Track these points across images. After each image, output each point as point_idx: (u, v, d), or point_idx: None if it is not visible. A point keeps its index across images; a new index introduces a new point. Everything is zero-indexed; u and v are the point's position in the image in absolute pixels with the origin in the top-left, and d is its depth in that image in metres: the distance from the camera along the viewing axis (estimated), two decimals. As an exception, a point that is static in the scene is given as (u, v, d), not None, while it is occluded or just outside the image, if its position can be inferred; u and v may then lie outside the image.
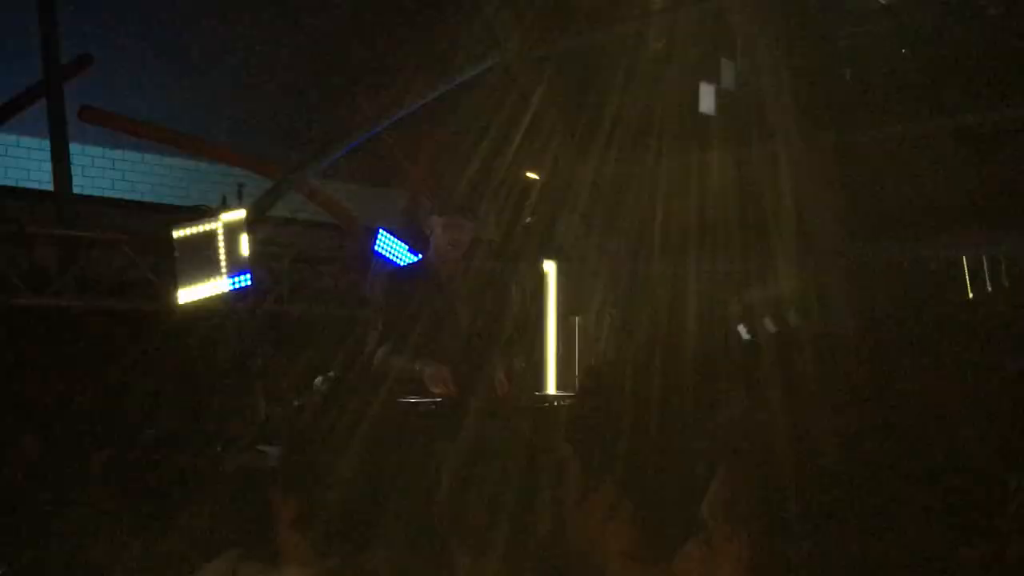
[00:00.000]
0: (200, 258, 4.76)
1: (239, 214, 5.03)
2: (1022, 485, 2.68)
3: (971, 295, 7.48)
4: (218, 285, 4.78)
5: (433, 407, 3.99)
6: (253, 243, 4.94)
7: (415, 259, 4.79)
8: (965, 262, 7.44)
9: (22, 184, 6.22)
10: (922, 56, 7.74)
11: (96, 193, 5.98)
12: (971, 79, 7.20)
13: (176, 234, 4.61)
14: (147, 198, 6.14)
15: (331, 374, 4.31)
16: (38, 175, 6.36)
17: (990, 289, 7.28)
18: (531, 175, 7.12)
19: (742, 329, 8.75)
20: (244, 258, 4.91)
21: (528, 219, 6.83)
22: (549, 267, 6.46)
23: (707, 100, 8.32)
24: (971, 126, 7.12)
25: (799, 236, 7.87)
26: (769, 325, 8.62)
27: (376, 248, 5.41)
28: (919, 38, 7.72)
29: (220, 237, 4.89)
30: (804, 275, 8.29)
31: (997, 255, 7.28)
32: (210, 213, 4.96)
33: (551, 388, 6.22)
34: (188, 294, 4.72)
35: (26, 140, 6.20)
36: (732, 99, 8.15)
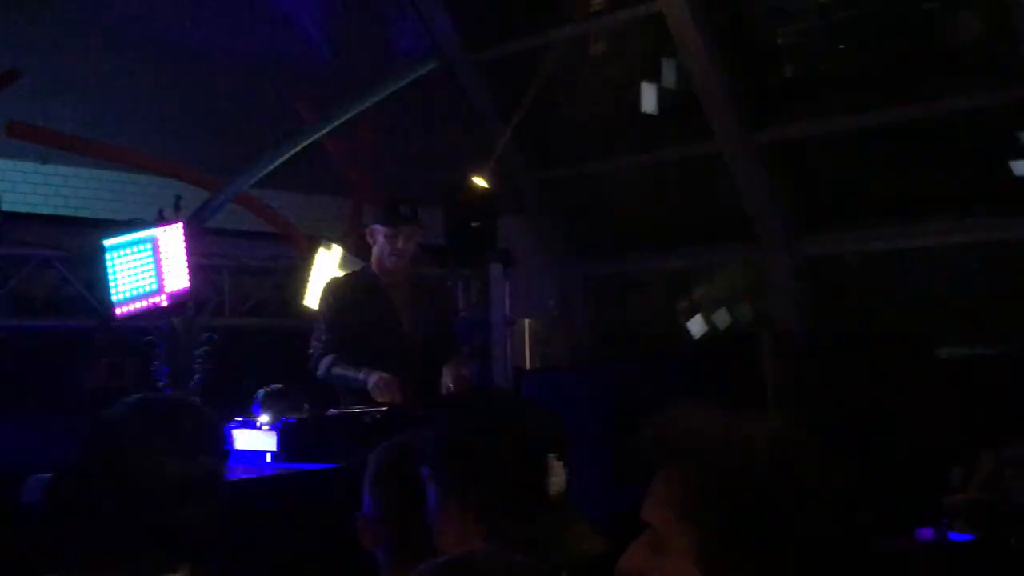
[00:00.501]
0: (136, 272, 4.65)
1: (176, 227, 4.93)
2: (966, 480, 2.70)
3: (913, 287, 7.58)
4: (155, 299, 4.68)
5: (378, 416, 3.94)
6: (191, 256, 4.85)
7: (357, 268, 4.74)
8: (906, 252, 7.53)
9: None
10: (859, 51, 7.85)
11: (27, 209, 5.84)
12: (908, 73, 7.31)
13: (110, 248, 4.49)
14: (81, 213, 6.00)
15: (274, 387, 4.23)
16: (-34, 193, 6.22)
17: (929, 276, 7.39)
18: (478, 179, 7.09)
19: (693, 325, 8.80)
20: (182, 271, 4.81)
21: (475, 223, 6.80)
22: (496, 271, 6.44)
23: (649, 100, 8.38)
24: (909, 119, 7.24)
25: (745, 233, 7.95)
26: (720, 321, 8.69)
27: (318, 258, 5.34)
28: (856, 33, 7.82)
29: (157, 250, 4.79)
30: (751, 271, 8.37)
31: (935, 245, 7.40)
32: (146, 226, 4.85)
33: (499, 392, 6.19)
34: (124, 309, 4.61)
35: (-48, 158, 6.05)
36: (674, 98, 8.21)
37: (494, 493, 1.64)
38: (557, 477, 1.66)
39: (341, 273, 5.17)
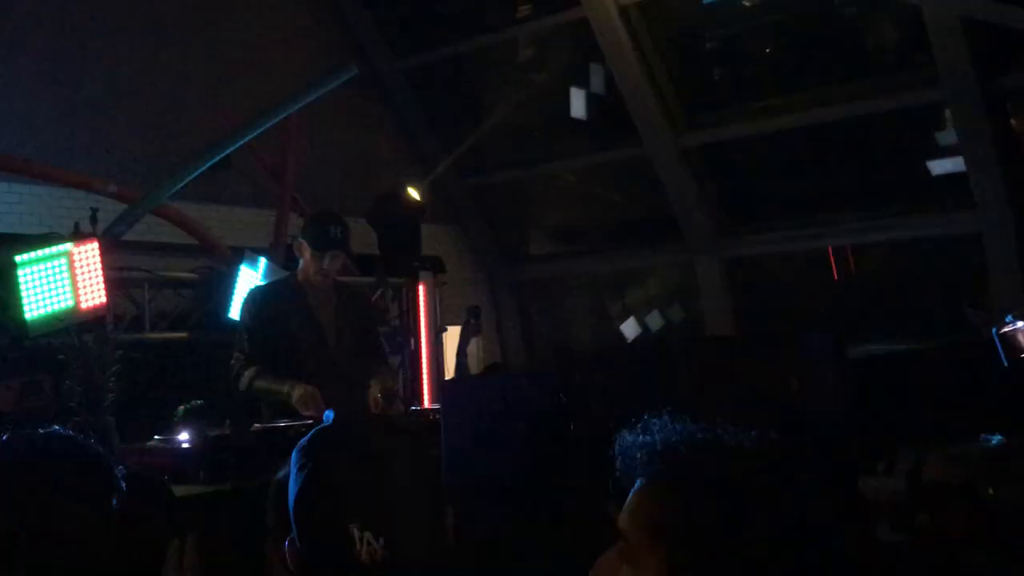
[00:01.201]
0: (49, 287, 4.50)
1: (91, 240, 4.78)
2: (913, 467, 2.73)
3: (835, 282, 7.74)
4: (70, 315, 4.53)
5: (303, 430, 3.87)
6: (108, 270, 4.71)
7: (279, 278, 4.63)
8: (830, 250, 7.69)
9: None
10: (783, 55, 7.99)
11: (-64, 225, 5.64)
12: (829, 76, 7.46)
13: (21, 264, 4.34)
14: (-3, 228, 5.82)
15: (196, 402, 4.13)
16: None
17: (853, 274, 7.57)
18: (410, 189, 7.04)
19: (626, 328, 8.86)
20: (98, 285, 4.67)
21: (402, 232, 6.75)
22: (424, 280, 6.40)
23: (578, 105, 8.43)
24: (830, 121, 7.39)
25: (674, 235, 8.02)
26: (653, 323, 8.76)
27: (242, 270, 5.24)
28: (780, 38, 7.96)
29: (71, 264, 4.64)
30: (681, 273, 8.45)
31: (856, 243, 7.56)
32: (61, 240, 4.69)
33: (426, 402, 6.15)
34: (37, 325, 4.46)
35: None
36: (602, 103, 8.27)
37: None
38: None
39: (263, 282, 5.06)
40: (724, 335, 7.22)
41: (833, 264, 7.65)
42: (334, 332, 4.28)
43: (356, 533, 1.63)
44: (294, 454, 1.75)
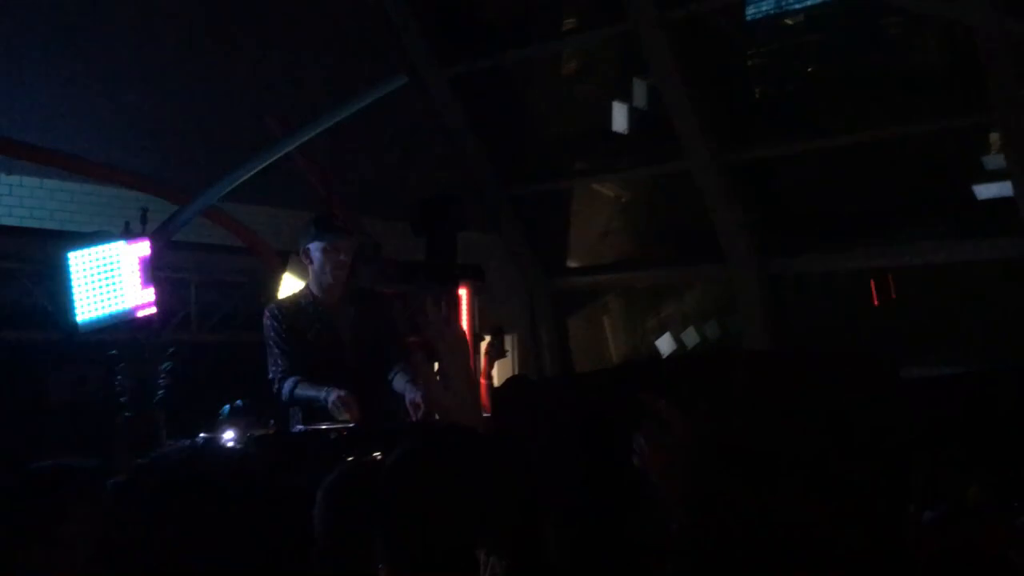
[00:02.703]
0: (100, 284, 4.59)
1: (142, 239, 4.88)
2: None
3: (876, 305, 7.67)
4: (120, 312, 4.62)
5: (344, 433, 3.92)
6: (157, 269, 4.80)
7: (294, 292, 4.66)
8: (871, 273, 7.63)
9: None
10: (827, 73, 7.97)
11: (-9, 221, 5.77)
12: (874, 96, 7.42)
13: (73, 258, 4.43)
14: (45, 225, 5.93)
15: (239, 402, 4.19)
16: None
17: (894, 298, 7.50)
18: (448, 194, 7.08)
19: (662, 343, 8.84)
20: (148, 284, 4.76)
21: (444, 239, 6.77)
22: (465, 287, 6.42)
23: (620, 119, 8.45)
24: (875, 142, 7.34)
25: (713, 251, 8.00)
26: (689, 338, 8.74)
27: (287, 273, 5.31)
28: (824, 56, 7.94)
29: (122, 263, 4.73)
30: (718, 289, 8.43)
31: (902, 264, 7.50)
32: (112, 239, 4.79)
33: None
34: (88, 321, 4.55)
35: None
36: (645, 117, 8.28)
37: None
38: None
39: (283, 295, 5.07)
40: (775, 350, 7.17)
41: (873, 287, 7.59)
42: (350, 340, 4.32)
43: (482, 558, 1.55)
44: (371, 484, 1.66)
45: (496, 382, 7.44)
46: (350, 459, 3.45)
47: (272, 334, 4.26)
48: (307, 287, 4.37)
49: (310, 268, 4.27)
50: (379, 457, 3.39)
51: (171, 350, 4.25)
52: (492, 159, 8.32)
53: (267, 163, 5.01)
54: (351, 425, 4.00)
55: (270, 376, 4.26)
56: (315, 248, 4.20)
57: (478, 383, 4.18)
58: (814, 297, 8.24)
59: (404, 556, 1.55)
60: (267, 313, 4.32)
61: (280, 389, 4.20)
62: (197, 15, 6.84)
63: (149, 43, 6.58)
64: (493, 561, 1.53)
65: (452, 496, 1.54)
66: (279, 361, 4.23)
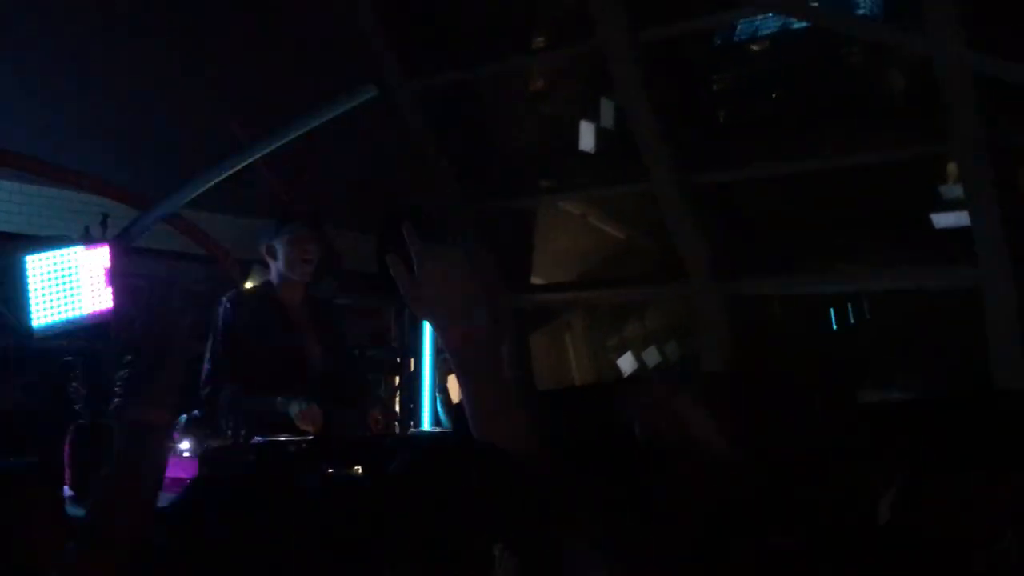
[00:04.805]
0: (57, 289, 4.52)
1: (102, 245, 4.81)
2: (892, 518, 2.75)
3: (836, 328, 7.78)
4: (76, 318, 4.54)
5: (304, 445, 3.87)
6: (116, 275, 4.72)
7: (256, 285, 4.52)
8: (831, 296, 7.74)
9: None
10: (791, 100, 8.09)
11: (-54, 223, 5.64)
12: (836, 122, 7.55)
13: (30, 261, 4.35)
14: (3, 228, 5.82)
15: (196, 412, 4.12)
16: None
17: (853, 322, 7.62)
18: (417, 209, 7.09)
19: (623, 362, 8.88)
20: (106, 291, 4.68)
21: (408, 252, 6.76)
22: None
23: (587, 137, 8.51)
24: (835, 168, 7.46)
25: (675, 271, 8.06)
26: (650, 358, 8.79)
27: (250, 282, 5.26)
28: (788, 82, 8.06)
29: (80, 268, 4.65)
30: (681, 309, 8.49)
31: (861, 290, 7.62)
32: (71, 242, 4.71)
33: (426, 424, 6.16)
34: (43, 326, 4.46)
35: None
36: (611, 137, 8.35)
37: None
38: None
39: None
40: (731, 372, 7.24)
41: (833, 311, 7.70)
42: (314, 348, 4.21)
43: (496, 552, 1.55)
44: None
45: (453, 395, 7.44)
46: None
47: (220, 325, 4.04)
48: (269, 284, 4.23)
49: (273, 265, 4.14)
50: (359, 470, 3.34)
51: (128, 358, 4.18)
52: (457, 174, 8.32)
53: (231, 171, 4.96)
54: (310, 437, 3.96)
55: (204, 376, 4.03)
56: (281, 242, 4.08)
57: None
58: (775, 320, 8.34)
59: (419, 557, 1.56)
60: (223, 301, 4.10)
61: (213, 392, 3.99)
62: (161, 19, 6.79)
63: (112, 46, 6.51)
64: (507, 556, 1.54)
65: (462, 499, 1.56)
66: (217, 359, 4.01)
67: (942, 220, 7.19)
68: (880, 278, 7.38)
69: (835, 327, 7.77)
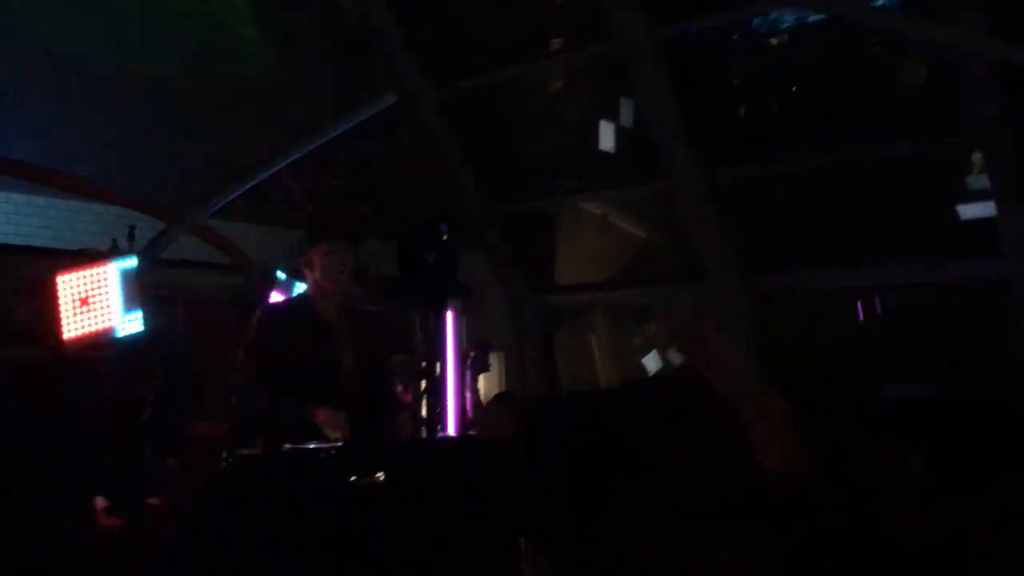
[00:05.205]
0: (88, 303, 4.60)
1: (129, 257, 4.89)
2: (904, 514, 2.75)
3: (861, 323, 7.74)
4: (107, 330, 4.62)
5: (333, 452, 3.91)
6: (144, 287, 4.81)
7: (292, 296, 4.57)
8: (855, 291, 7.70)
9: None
10: (811, 93, 8.04)
11: (-22, 237, 5.76)
12: (857, 115, 7.49)
13: (61, 279, 4.44)
14: (34, 242, 5.92)
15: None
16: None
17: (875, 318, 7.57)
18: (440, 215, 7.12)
19: (648, 361, 8.88)
20: (135, 302, 4.77)
21: (430, 257, 6.81)
22: (451, 307, 6.46)
23: (607, 138, 8.50)
24: (858, 161, 7.40)
25: (699, 269, 8.04)
26: (675, 357, 8.78)
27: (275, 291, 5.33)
28: (808, 76, 8.01)
29: (109, 281, 4.74)
30: (705, 307, 8.47)
31: (885, 283, 7.57)
32: (100, 256, 4.80)
33: (450, 429, 6.20)
34: (74, 337, 4.55)
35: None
36: (631, 136, 8.34)
37: None
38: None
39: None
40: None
41: (859, 305, 7.65)
42: (349, 357, 4.24)
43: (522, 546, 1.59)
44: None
45: (482, 395, 7.48)
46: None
47: (256, 334, 4.06)
48: (305, 295, 4.27)
49: (310, 275, 4.17)
50: (380, 478, 3.37)
51: (159, 368, 4.26)
52: (478, 177, 8.35)
53: (256, 182, 5.03)
54: (339, 444, 3.99)
55: (236, 380, 4.04)
56: (316, 252, 4.11)
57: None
58: (798, 315, 8.30)
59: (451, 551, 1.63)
60: (258, 312, 4.14)
61: (246, 397, 4.01)
62: (184, 32, 6.88)
63: (137, 60, 6.61)
64: (534, 551, 1.60)
65: (487, 495, 1.64)
66: (251, 367, 4.00)
67: (967, 211, 7.13)
68: (905, 271, 7.32)
69: (858, 323, 7.73)
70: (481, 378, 7.49)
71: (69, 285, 4.51)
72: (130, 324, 4.75)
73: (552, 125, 8.62)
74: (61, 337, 4.38)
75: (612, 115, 8.44)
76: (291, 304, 4.36)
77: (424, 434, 5.27)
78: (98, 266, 4.64)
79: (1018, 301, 6.66)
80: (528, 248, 9.13)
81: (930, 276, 7.25)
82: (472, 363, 7.39)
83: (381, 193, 7.84)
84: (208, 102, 6.95)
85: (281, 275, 5.38)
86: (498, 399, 6.79)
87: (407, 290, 6.41)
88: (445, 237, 6.99)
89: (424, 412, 6.41)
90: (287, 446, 4.01)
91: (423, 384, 6.68)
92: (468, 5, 8.39)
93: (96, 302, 4.62)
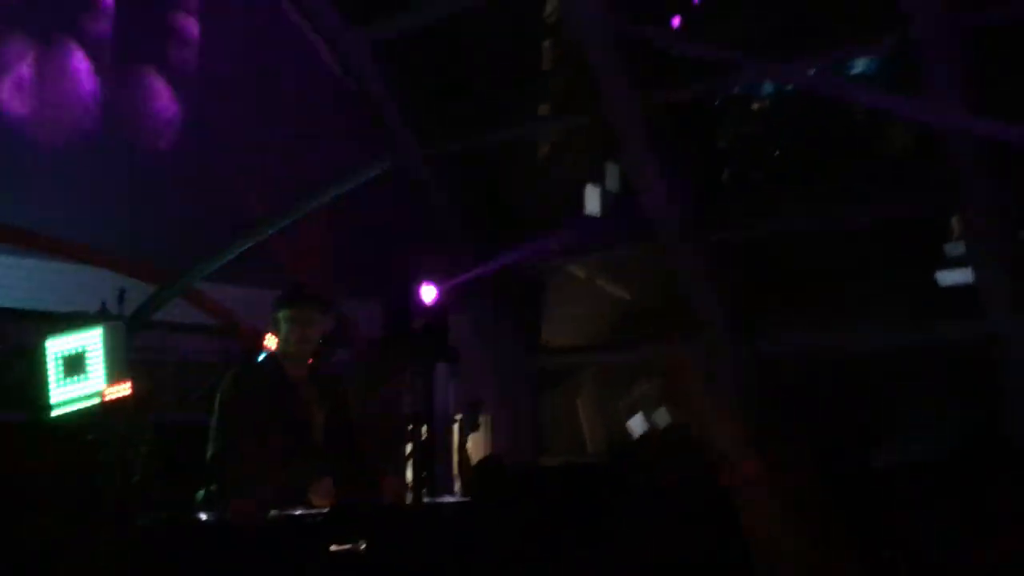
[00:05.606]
0: (77, 367, 4.60)
1: (118, 322, 4.90)
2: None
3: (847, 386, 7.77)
4: (95, 395, 4.62)
5: (319, 518, 3.89)
6: (134, 350, 4.81)
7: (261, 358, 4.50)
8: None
9: None
10: (795, 157, 8.18)
11: (-33, 299, 5.76)
12: (839, 179, 7.62)
13: (51, 344, 4.45)
14: (23, 304, 5.92)
15: (212, 488, 4.13)
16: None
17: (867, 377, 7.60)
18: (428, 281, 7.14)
19: (634, 423, 8.86)
20: (123, 366, 4.77)
21: (420, 321, 6.85)
22: (438, 369, 6.48)
23: (592, 201, 8.61)
24: (841, 224, 7.51)
25: (689, 328, 8.08)
26: (661, 419, 8.77)
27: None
28: (792, 140, 8.16)
29: (98, 345, 4.74)
30: (690, 363, 8.49)
31: (864, 348, 7.63)
32: (89, 320, 4.81)
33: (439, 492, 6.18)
34: (62, 405, 4.54)
35: None
36: (618, 199, 8.45)
37: None
38: None
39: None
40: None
41: (846, 367, 7.70)
42: (316, 411, 4.18)
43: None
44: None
45: (471, 455, 7.46)
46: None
47: (226, 399, 3.98)
48: (275, 354, 4.22)
49: (278, 336, 4.14)
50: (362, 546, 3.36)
51: (148, 433, 4.24)
52: (470, 238, 8.42)
53: (248, 246, 5.07)
54: (325, 510, 3.97)
55: (210, 453, 3.92)
56: (282, 318, 4.09)
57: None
58: (786, 376, 8.32)
59: None
60: (228, 377, 4.05)
61: (223, 469, 3.86)
62: (177, 92, 6.97)
63: (130, 121, 6.68)
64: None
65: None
66: (224, 436, 3.90)
67: (946, 277, 7.23)
68: (893, 333, 7.38)
69: (848, 384, 7.76)
70: (470, 438, 7.48)
71: (57, 349, 4.51)
72: (118, 388, 4.74)
73: (542, 186, 8.72)
74: (49, 403, 4.37)
75: (599, 178, 8.56)
76: (261, 365, 4.29)
77: (411, 499, 5.25)
78: (88, 330, 4.65)
79: (1002, 361, 6.73)
80: (516, 311, 9.17)
81: (915, 339, 7.32)
82: (462, 423, 7.39)
83: (365, 251, 7.88)
84: (196, 162, 7.01)
85: (271, 338, 5.39)
86: (483, 462, 6.78)
87: (396, 353, 6.44)
88: (432, 301, 7.04)
89: (410, 475, 6.39)
90: (273, 512, 3.98)
91: (408, 447, 6.67)
92: (462, 74, 8.55)
93: (85, 368, 4.62)
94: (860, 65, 7.77)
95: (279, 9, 7.31)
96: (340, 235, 7.44)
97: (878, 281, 7.60)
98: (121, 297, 5.17)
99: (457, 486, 6.80)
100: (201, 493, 4.02)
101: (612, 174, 8.48)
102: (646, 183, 7.85)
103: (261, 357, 4.49)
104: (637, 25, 7.21)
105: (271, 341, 5.37)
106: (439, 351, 6.64)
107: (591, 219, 8.55)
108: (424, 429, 6.48)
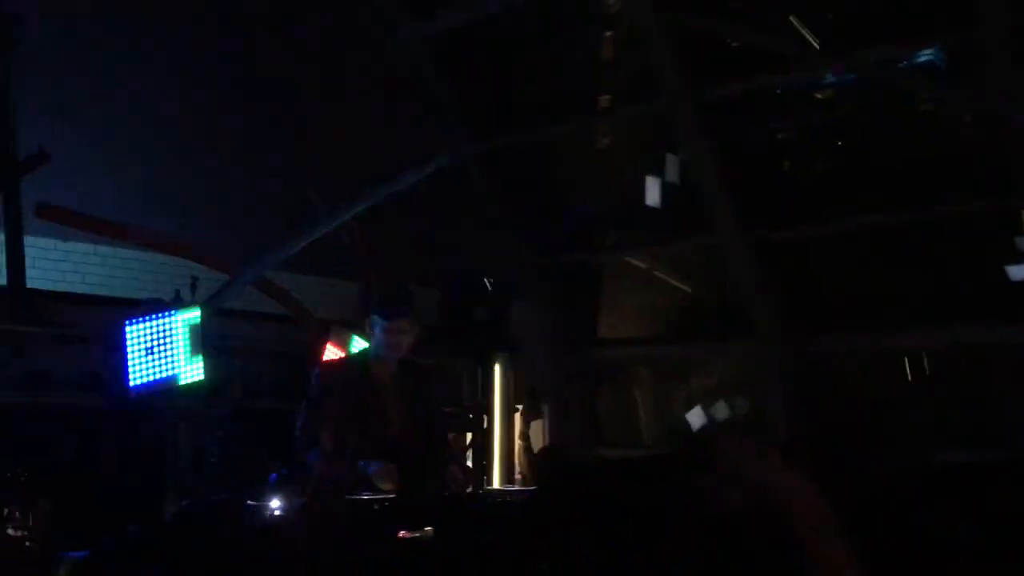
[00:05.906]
0: (153, 353, 4.77)
1: (193, 308, 5.06)
2: None
3: (907, 384, 7.67)
4: (170, 379, 4.78)
5: (386, 503, 4.01)
6: (207, 337, 4.97)
7: (352, 354, 4.76)
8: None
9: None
10: (857, 150, 8.07)
11: (47, 286, 5.97)
12: (905, 175, 7.50)
13: (130, 329, 4.62)
14: (99, 291, 6.13)
15: (284, 471, 4.30)
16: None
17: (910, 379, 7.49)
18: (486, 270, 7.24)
19: (692, 416, 8.86)
20: (198, 353, 4.93)
21: (479, 311, 6.94)
22: (498, 359, 6.56)
23: (653, 194, 8.60)
24: (905, 221, 7.40)
25: (739, 326, 8.04)
26: (719, 412, 8.75)
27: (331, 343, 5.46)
28: (854, 132, 8.04)
29: (173, 332, 4.91)
30: (750, 363, 8.46)
31: (925, 347, 7.50)
32: (163, 307, 4.98)
33: (496, 482, 6.27)
34: (140, 388, 4.71)
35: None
36: (677, 192, 8.42)
37: None
38: None
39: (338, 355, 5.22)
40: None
41: (907, 366, 7.60)
42: (397, 412, 4.39)
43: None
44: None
45: (533, 442, 7.54)
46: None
47: (312, 391, 4.33)
48: (365, 353, 4.47)
49: (372, 337, 4.39)
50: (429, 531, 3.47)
51: (222, 417, 4.40)
52: (526, 231, 8.47)
53: (314, 238, 5.20)
54: (392, 496, 4.10)
55: (296, 435, 4.26)
56: (377, 323, 4.32)
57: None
58: (843, 376, 8.24)
59: None
60: (315, 370, 4.44)
61: (306, 452, 4.15)
62: (241, 87, 7.11)
63: (198, 112, 6.83)
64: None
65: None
66: (307, 422, 4.23)
67: (1018, 272, 7.08)
68: (954, 333, 7.27)
69: (904, 385, 7.66)
70: (532, 425, 7.57)
71: (137, 334, 4.68)
72: (192, 374, 4.90)
73: (600, 180, 8.74)
74: (129, 385, 4.54)
75: (659, 171, 8.54)
76: (348, 362, 4.57)
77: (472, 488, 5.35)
78: (164, 317, 4.82)
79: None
80: (575, 302, 9.21)
81: (982, 338, 7.19)
82: (524, 411, 7.47)
83: (434, 246, 7.98)
84: (264, 155, 7.15)
85: (338, 328, 5.53)
86: (544, 453, 6.85)
87: (456, 344, 6.53)
88: (490, 291, 7.12)
89: (470, 465, 6.48)
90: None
91: (469, 437, 6.77)
92: (519, 64, 8.59)
93: (161, 352, 4.78)
94: (926, 55, 7.63)
95: (340, 2, 7.43)
96: (406, 225, 7.55)
97: (945, 278, 7.48)
98: (194, 285, 5.33)
99: (518, 475, 6.89)
100: (273, 476, 4.19)
101: (672, 166, 8.46)
102: (705, 177, 7.82)
103: (354, 352, 4.69)
104: (698, 14, 7.19)
105: (336, 330, 5.53)
106: (498, 341, 6.73)
107: (650, 211, 8.56)
108: (484, 419, 6.57)
